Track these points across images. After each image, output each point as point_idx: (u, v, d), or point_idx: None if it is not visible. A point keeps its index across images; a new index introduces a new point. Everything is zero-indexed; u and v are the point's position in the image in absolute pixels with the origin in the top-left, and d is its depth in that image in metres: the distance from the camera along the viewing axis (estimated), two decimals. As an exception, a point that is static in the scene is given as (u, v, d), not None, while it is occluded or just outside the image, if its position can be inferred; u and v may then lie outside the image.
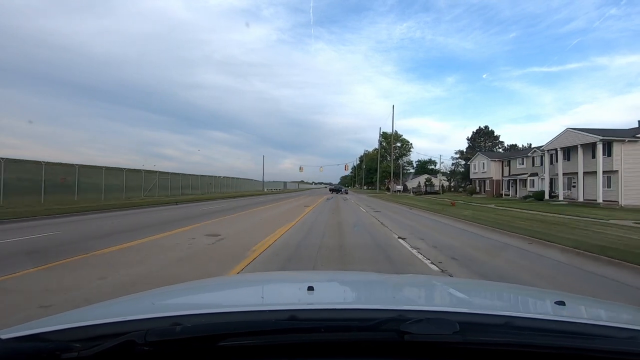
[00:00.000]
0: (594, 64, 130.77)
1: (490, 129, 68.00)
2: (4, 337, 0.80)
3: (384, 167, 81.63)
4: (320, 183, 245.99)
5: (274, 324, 0.85)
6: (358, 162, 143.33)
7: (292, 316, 0.88)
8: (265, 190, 64.46)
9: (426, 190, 62.62)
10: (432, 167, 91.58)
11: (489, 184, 45.02)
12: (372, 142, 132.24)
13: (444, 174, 75.20)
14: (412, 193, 61.13)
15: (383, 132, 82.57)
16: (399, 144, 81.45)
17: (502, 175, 43.19)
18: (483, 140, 67.12)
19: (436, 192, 57.84)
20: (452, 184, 68.63)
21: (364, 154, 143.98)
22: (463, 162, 63.52)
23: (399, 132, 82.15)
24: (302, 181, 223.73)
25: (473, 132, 68.38)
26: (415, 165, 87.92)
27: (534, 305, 1.43)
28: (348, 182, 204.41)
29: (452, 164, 73.62)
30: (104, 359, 0.75)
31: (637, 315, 1.24)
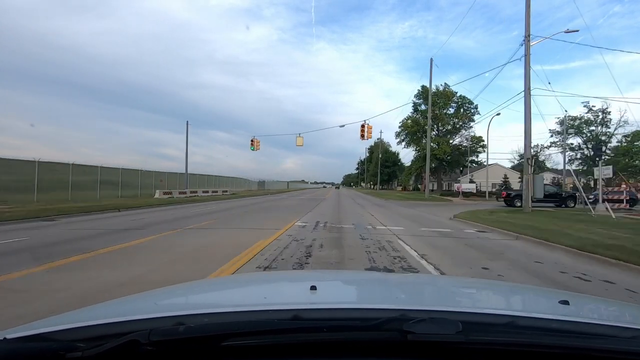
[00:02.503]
0: (597, 62, 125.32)
1: None
2: (8, 336, 0.80)
3: (422, 148, 45.46)
4: (322, 182, 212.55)
5: (277, 324, 0.84)
6: (368, 154, 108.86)
7: (295, 316, 0.88)
8: (167, 194, 28.78)
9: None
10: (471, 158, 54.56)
11: None
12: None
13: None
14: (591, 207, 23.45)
15: (422, 88, 46.76)
16: (452, 109, 45.33)
17: None
18: None
19: None
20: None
21: (376, 142, 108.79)
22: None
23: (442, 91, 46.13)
24: (303, 180, 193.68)
25: None
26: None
27: (538, 304, 1.41)
28: (353, 180, 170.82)
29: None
30: (108, 358, 0.74)
31: None
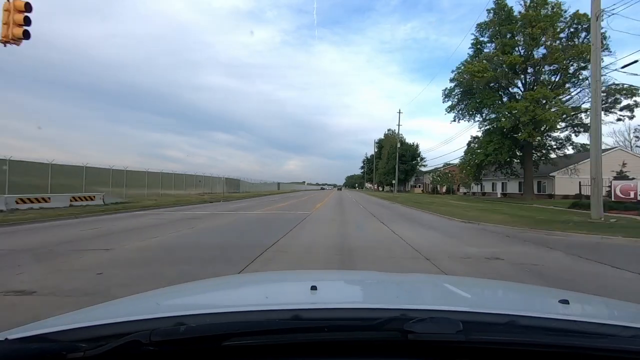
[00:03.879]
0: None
1: None
2: (10, 337, 0.80)
3: (503, 113, 24.34)
4: (323, 184, 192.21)
5: (278, 324, 0.85)
6: (376, 148, 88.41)
7: (296, 316, 0.89)
8: None
9: None
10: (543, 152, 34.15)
11: None
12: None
13: None
14: None
15: (495, 5, 26.21)
16: (555, 40, 24.31)
17: None
18: None
19: None
20: None
21: (386, 134, 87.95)
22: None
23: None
24: (304, 182, 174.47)
25: None
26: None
27: (538, 303, 1.41)
28: (357, 181, 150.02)
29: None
30: (109, 358, 0.75)
31: None
